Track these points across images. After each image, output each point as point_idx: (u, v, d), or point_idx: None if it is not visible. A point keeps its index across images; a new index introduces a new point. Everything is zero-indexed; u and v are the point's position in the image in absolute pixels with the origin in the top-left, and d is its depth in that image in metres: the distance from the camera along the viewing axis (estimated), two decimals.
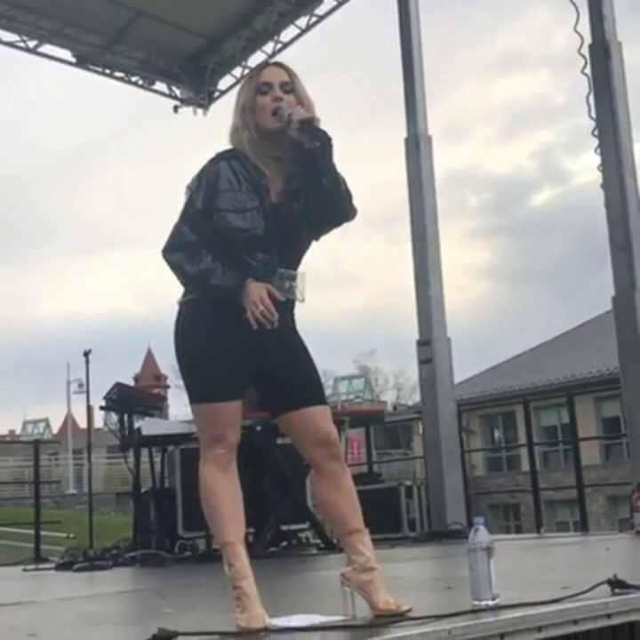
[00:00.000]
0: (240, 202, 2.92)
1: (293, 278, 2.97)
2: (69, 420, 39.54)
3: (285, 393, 2.99)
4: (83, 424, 43.11)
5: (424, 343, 8.52)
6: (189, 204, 2.98)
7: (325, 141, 2.90)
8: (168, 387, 47.82)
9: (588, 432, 21.64)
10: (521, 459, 26.38)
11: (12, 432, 53.44)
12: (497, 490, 26.75)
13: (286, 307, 2.99)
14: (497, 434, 30.61)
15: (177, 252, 2.95)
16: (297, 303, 3.05)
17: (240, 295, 2.87)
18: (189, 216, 2.96)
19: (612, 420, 24.89)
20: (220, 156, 2.99)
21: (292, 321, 3.07)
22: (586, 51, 7.44)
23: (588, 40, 7.43)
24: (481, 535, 2.91)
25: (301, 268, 3.07)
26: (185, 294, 3.00)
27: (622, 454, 23.75)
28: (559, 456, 26.68)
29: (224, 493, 2.95)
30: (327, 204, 2.98)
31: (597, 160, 7.35)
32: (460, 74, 60.77)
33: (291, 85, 2.99)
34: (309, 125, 2.88)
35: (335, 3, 9.82)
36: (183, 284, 3.00)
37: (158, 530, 7.21)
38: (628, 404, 7.20)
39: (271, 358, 2.99)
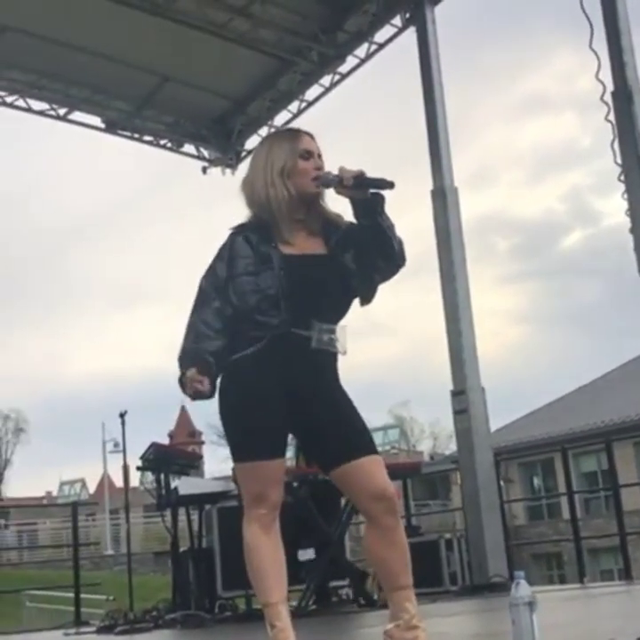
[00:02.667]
0: (253, 265, 3.04)
1: (332, 331, 3.02)
2: (106, 481, 39.57)
3: (333, 447, 3.01)
4: (119, 483, 43.21)
5: (458, 393, 8.49)
6: (213, 275, 3.13)
7: (390, 186, 3.05)
8: (203, 443, 47.90)
9: (630, 477, 21.29)
10: (562, 506, 26.01)
11: (49, 494, 53.61)
12: (539, 539, 26.32)
13: (328, 359, 3.04)
14: (536, 481, 30.23)
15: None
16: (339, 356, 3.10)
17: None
18: (213, 287, 3.11)
19: None
20: (236, 231, 3.16)
21: (335, 373, 3.10)
22: (608, 98, 7.48)
23: (610, 87, 7.47)
24: (522, 589, 2.89)
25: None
26: (232, 351, 3.08)
27: None
28: (601, 502, 26.27)
29: (267, 554, 2.98)
30: (384, 245, 3.07)
31: (625, 205, 7.36)
32: (485, 119, 61.26)
33: (321, 157, 3.19)
34: (362, 177, 3.05)
35: (358, 61, 9.98)
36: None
37: (197, 590, 7.17)
38: None
39: (314, 413, 3.02)
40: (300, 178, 3.11)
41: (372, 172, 3.08)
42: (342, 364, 3.16)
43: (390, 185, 3.05)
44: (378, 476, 2.97)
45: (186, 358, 3.06)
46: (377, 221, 3.05)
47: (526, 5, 58.44)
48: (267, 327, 2.98)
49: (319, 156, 3.17)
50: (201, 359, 3.02)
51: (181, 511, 7.67)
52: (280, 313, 2.99)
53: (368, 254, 3.08)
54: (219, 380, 3.08)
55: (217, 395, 3.07)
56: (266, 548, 2.99)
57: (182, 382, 3.03)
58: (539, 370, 64.68)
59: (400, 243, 3.10)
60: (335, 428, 3.01)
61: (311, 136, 3.22)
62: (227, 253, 3.10)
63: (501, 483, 9.32)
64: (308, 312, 2.99)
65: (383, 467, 3.02)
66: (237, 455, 3.05)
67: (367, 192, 3.05)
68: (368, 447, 3.03)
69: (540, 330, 66.69)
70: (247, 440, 3.00)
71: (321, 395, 3.03)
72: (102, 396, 54.94)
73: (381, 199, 3.06)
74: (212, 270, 3.13)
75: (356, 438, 3.02)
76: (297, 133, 3.23)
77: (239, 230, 3.14)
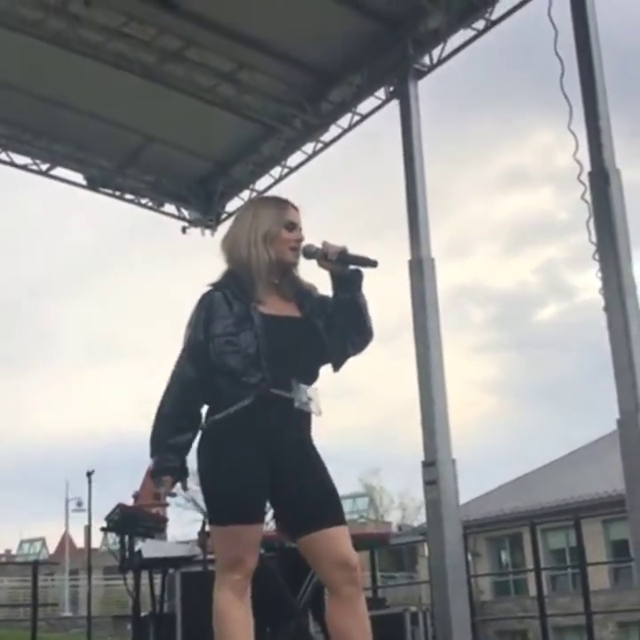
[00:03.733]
0: (232, 326, 3.09)
1: (309, 392, 3.06)
2: (67, 541, 38.88)
3: (303, 514, 3.02)
4: (80, 544, 42.44)
5: (428, 464, 8.45)
6: (191, 336, 3.18)
7: (373, 264, 3.18)
8: (168, 505, 47.24)
9: (597, 555, 21.20)
10: (529, 582, 25.80)
11: (8, 552, 52.53)
12: (504, 615, 26.07)
13: (306, 420, 3.06)
14: (504, 556, 30.04)
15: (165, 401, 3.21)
16: (313, 417, 3.12)
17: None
18: (191, 347, 3.16)
19: (621, 543, 24.43)
20: (214, 287, 3.23)
21: (310, 435, 3.12)
22: (585, 178, 7.61)
23: (587, 168, 7.60)
24: None
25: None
26: (207, 416, 3.08)
27: (632, 578, 23.25)
28: (567, 580, 26.11)
29: (238, 621, 2.96)
30: (359, 320, 3.19)
31: (599, 283, 7.44)
32: (464, 190, 61.96)
33: (301, 231, 3.33)
34: (346, 254, 3.19)
35: (340, 130, 10.12)
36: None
37: None
38: (634, 530, 7.08)
39: (289, 478, 3.03)
40: (281, 246, 3.21)
41: (350, 241, 3.18)
42: (314, 428, 3.17)
43: (373, 264, 3.19)
44: (342, 545, 2.98)
45: (162, 463, 3.14)
46: (354, 297, 3.16)
47: (508, 82, 59.78)
48: (247, 386, 3.00)
49: (300, 229, 3.28)
50: (175, 471, 3.13)
51: (144, 574, 7.54)
52: (260, 372, 3.01)
53: (341, 327, 3.16)
54: (198, 439, 3.10)
55: (199, 453, 3.08)
56: (238, 615, 2.95)
57: (156, 477, 3.17)
58: (510, 442, 64.71)
59: (370, 320, 3.23)
60: (308, 495, 3.02)
61: (297, 209, 3.33)
62: (204, 314, 3.14)
63: (469, 556, 9.25)
64: (286, 372, 3.03)
65: (348, 537, 3.04)
66: (216, 518, 3.03)
67: (348, 267, 3.16)
68: (336, 517, 3.03)
69: (513, 401, 66.88)
70: (228, 503, 2.99)
71: (298, 457, 3.06)
72: (67, 454, 54.36)
73: (360, 276, 3.18)
74: (191, 333, 3.18)
75: (326, 507, 3.04)
76: (285, 204, 3.34)
77: (216, 288, 3.20)
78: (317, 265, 3.23)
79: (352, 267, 3.18)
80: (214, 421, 3.04)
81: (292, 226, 3.25)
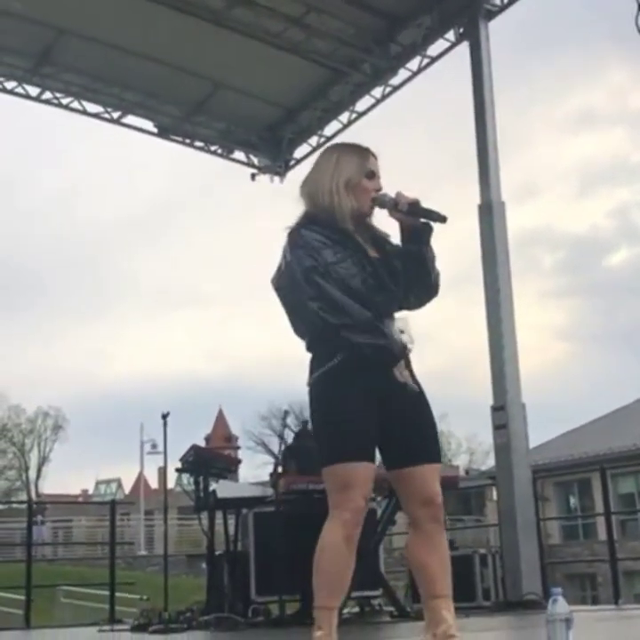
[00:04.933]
0: (338, 253, 3.09)
1: (399, 324, 3.12)
2: (142, 481, 39.82)
3: (402, 449, 3.08)
4: (154, 484, 43.40)
5: (498, 408, 8.46)
6: (296, 267, 3.11)
7: (442, 220, 3.15)
8: (239, 448, 47.97)
9: None
10: (597, 527, 25.74)
11: (84, 492, 54.08)
12: (573, 559, 26.05)
13: (408, 359, 3.11)
14: (572, 501, 29.94)
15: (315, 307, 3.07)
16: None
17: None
18: (305, 273, 3.08)
19: None
20: (298, 225, 3.18)
21: (411, 370, 3.15)
22: None
23: None
24: (560, 606, 2.89)
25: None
26: (317, 367, 3.10)
27: None
28: (637, 524, 25.95)
29: (342, 559, 3.00)
30: (424, 273, 3.18)
31: None
32: (533, 131, 60.64)
33: (379, 179, 3.29)
34: (417, 206, 3.16)
35: (410, 73, 10.01)
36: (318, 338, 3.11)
37: (231, 593, 7.19)
38: None
39: (396, 415, 3.07)
40: (360, 195, 3.20)
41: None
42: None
43: (442, 219, 3.16)
44: (431, 483, 3.04)
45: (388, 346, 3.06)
46: (422, 250, 3.16)
47: (580, 22, 58.14)
48: (374, 307, 3.03)
49: (379, 178, 3.26)
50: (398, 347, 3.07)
51: (218, 514, 7.71)
52: (381, 293, 3.07)
53: (406, 278, 3.17)
54: (312, 383, 3.10)
55: (312, 396, 3.10)
56: (341, 554, 2.98)
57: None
58: (579, 388, 63.97)
59: (437, 275, 3.22)
60: (410, 432, 3.06)
61: (376, 157, 3.31)
62: (302, 242, 3.11)
63: (537, 500, 9.26)
64: (382, 307, 3.08)
65: (438, 475, 3.08)
66: (328, 457, 3.04)
67: (418, 220, 3.16)
68: (433, 455, 3.09)
69: (582, 347, 65.99)
70: (334, 443, 3.02)
71: (406, 397, 3.08)
72: (141, 398, 55.25)
73: (429, 230, 3.17)
74: (295, 266, 3.11)
75: (424, 444, 3.09)
76: (366, 152, 3.31)
77: (304, 223, 3.18)
78: (388, 214, 3.22)
79: (423, 220, 3.18)
80: (326, 369, 3.05)
81: (372, 175, 3.24)
